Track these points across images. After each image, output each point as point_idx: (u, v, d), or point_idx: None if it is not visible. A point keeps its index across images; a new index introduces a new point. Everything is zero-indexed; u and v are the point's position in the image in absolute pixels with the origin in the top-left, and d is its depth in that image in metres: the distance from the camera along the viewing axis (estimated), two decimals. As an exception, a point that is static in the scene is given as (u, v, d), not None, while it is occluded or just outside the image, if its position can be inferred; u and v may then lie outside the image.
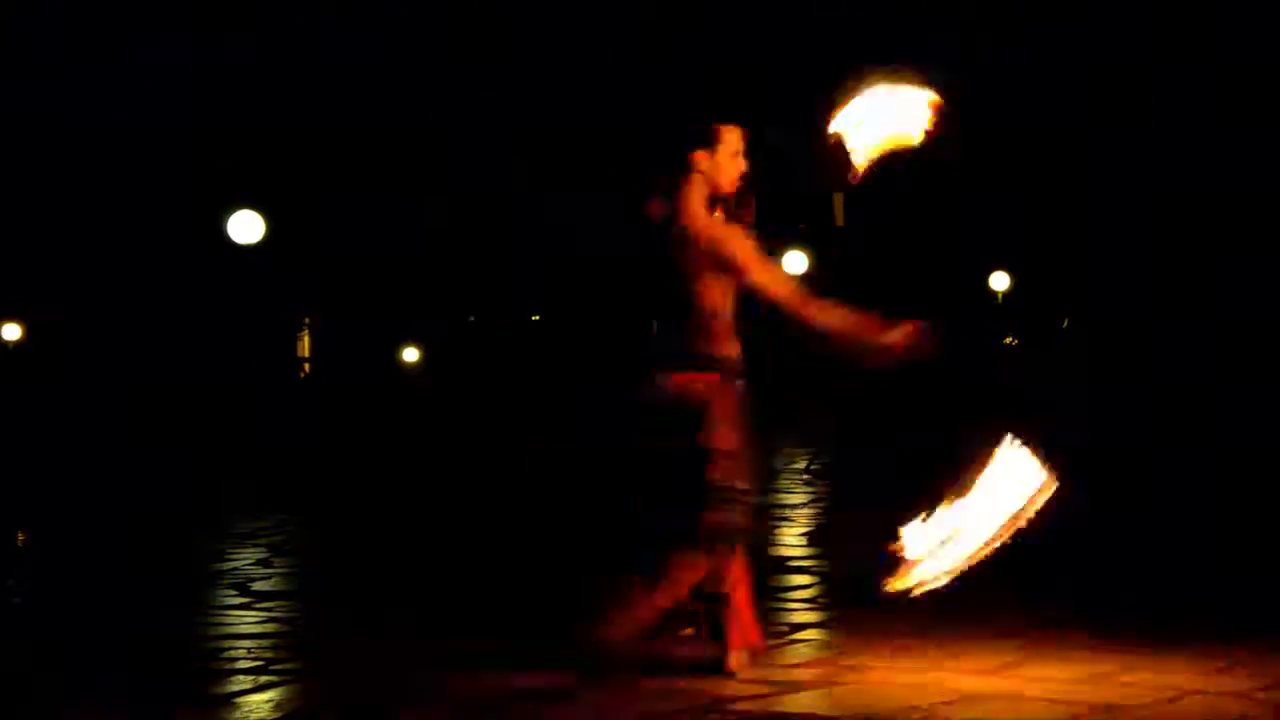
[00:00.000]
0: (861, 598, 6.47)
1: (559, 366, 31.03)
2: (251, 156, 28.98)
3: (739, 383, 5.73)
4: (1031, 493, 5.34)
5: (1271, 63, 28.53)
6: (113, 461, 18.64)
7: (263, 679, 5.81)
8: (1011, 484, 5.37)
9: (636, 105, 33.38)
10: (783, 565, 8.80)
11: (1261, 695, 5.17)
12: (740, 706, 5.16)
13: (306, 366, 34.60)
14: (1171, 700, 5.13)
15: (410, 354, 34.11)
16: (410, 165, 32.20)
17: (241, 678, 5.86)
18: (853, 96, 5.67)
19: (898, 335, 5.59)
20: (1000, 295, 45.61)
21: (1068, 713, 5.00)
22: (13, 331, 33.03)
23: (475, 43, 31.54)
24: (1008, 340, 44.07)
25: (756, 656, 5.70)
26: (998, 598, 6.82)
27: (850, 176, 5.67)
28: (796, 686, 5.51)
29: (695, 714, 5.10)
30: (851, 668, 5.72)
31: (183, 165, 28.84)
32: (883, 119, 5.66)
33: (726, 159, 5.80)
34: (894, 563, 5.40)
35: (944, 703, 5.15)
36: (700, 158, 5.76)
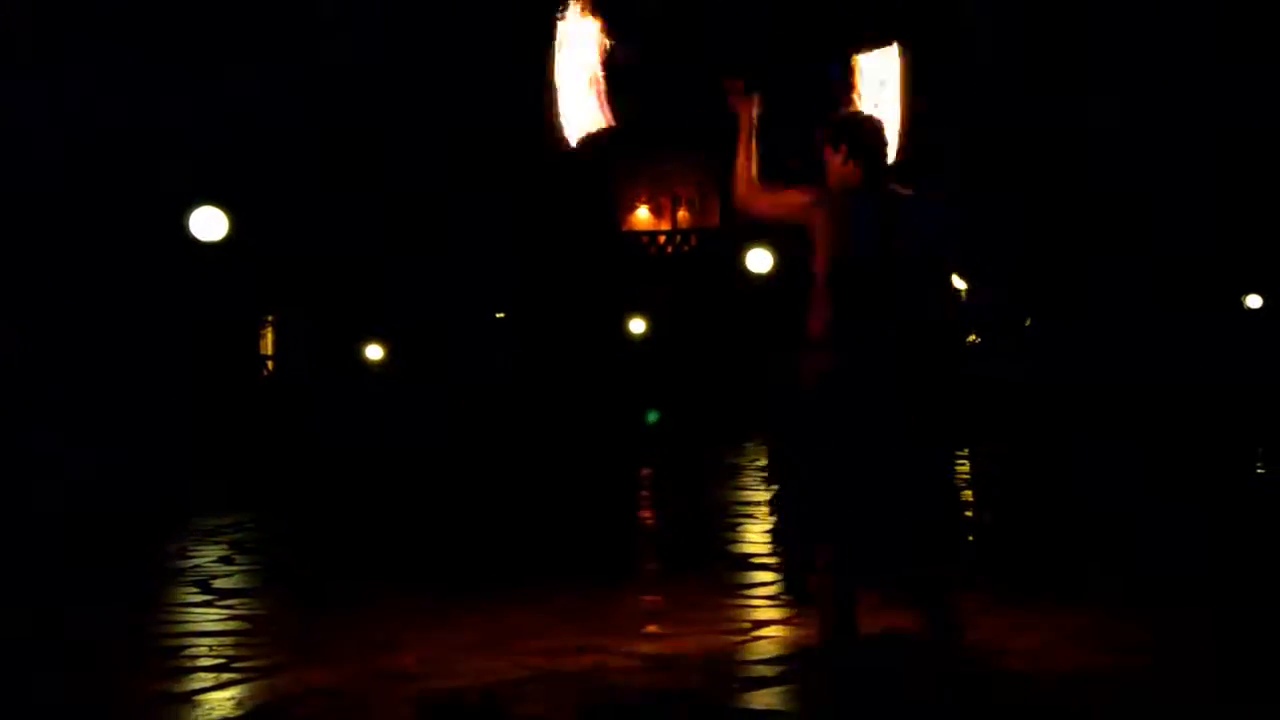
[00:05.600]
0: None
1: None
2: (214, 153, 28.88)
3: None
4: None
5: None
6: (73, 460, 18.53)
7: (224, 676, 5.79)
8: None
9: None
10: (745, 562, 8.83)
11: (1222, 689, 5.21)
12: (702, 702, 5.16)
13: (270, 364, 34.49)
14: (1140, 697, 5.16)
15: (374, 351, 33.98)
16: (373, 162, 32.13)
17: (203, 675, 5.84)
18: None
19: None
20: (964, 293, 45.85)
21: (1039, 707, 5.02)
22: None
23: (446, 41, 31.59)
24: (970, 338, 44.22)
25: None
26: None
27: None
28: (760, 683, 5.51)
29: (656, 709, 5.10)
30: (813, 664, 5.72)
31: (144, 162, 28.72)
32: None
33: None
34: None
35: (910, 699, 5.16)
36: None
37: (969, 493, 13.16)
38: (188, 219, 21.84)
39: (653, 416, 25.39)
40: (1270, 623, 6.42)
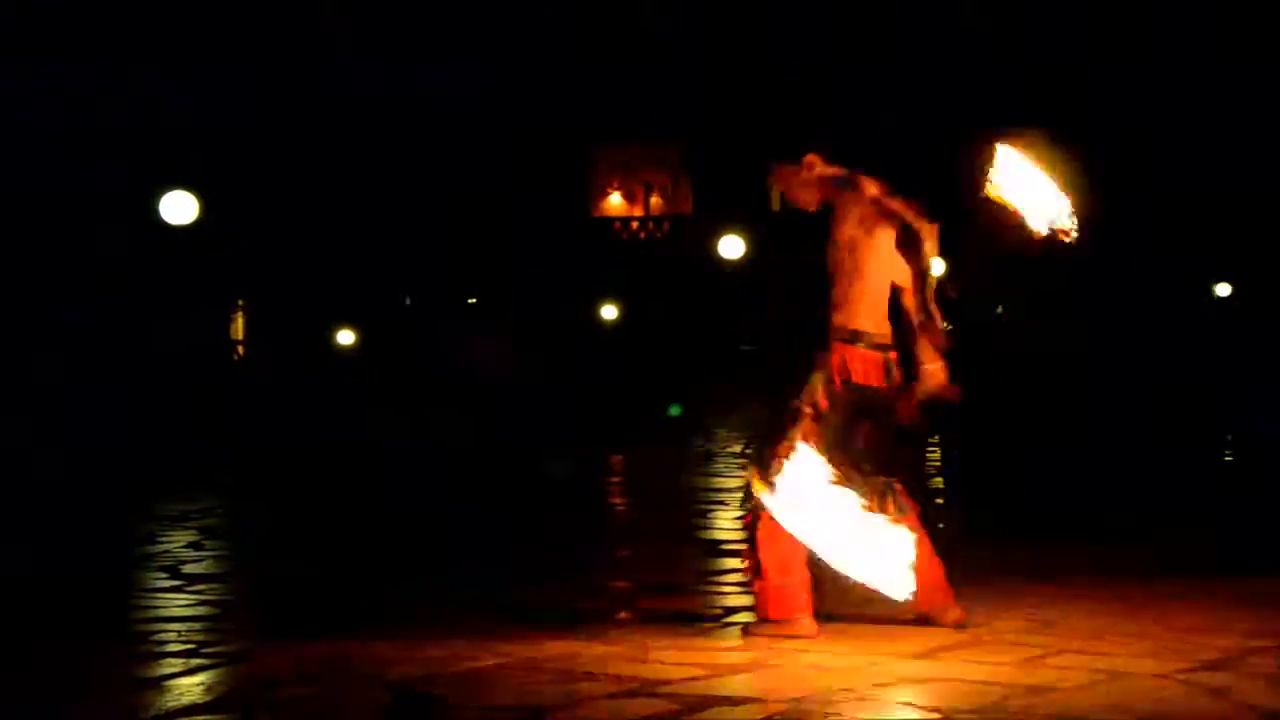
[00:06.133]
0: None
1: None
2: (185, 137, 28.82)
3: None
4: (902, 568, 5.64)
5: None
6: (42, 445, 18.43)
7: (193, 662, 5.76)
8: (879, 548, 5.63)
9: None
10: (716, 549, 8.83)
11: (1183, 677, 5.22)
12: (672, 689, 5.15)
13: (240, 349, 34.41)
14: (1101, 683, 5.17)
15: (345, 336, 33.86)
16: (347, 145, 32.09)
17: (173, 660, 5.81)
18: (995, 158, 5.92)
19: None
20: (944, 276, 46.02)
21: (1000, 694, 5.02)
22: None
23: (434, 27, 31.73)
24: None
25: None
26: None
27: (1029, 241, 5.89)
28: (730, 669, 5.51)
29: (625, 696, 5.10)
30: (785, 650, 5.72)
31: (117, 146, 28.65)
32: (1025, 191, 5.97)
33: None
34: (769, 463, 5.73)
35: (877, 685, 5.16)
36: None
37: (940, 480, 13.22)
38: (158, 202, 21.73)
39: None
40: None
